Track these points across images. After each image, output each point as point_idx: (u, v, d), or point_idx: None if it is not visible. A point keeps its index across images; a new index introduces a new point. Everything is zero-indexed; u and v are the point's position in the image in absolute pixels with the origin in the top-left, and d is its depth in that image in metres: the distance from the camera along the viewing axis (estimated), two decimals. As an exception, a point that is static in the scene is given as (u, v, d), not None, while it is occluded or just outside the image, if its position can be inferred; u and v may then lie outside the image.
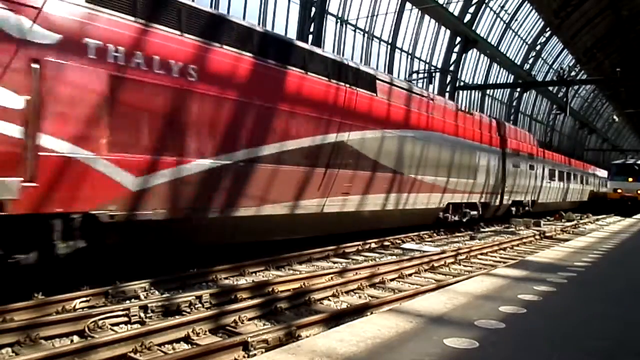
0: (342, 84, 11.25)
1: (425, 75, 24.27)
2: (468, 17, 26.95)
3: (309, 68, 10.40)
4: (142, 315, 5.93)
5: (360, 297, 7.64)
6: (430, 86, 22.89)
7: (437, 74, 27.14)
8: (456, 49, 28.17)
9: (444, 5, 24.10)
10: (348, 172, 11.35)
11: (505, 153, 20.53)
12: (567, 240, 13.61)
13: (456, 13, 25.99)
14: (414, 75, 24.43)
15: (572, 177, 32.93)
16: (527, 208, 24.23)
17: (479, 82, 32.42)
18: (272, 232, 10.08)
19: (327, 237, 11.70)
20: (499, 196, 20.08)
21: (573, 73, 38.88)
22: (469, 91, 31.90)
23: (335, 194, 11.10)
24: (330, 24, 19.88)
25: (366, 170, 11.94)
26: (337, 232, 12.01)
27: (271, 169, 9.43)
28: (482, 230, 18.66)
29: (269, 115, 9.39)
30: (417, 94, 14.63)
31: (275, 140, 9.49)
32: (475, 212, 18.19)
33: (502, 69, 34.47)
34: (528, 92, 38.58)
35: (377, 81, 12.57)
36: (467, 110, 18.43)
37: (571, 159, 35.53)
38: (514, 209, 22.51)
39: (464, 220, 17.56)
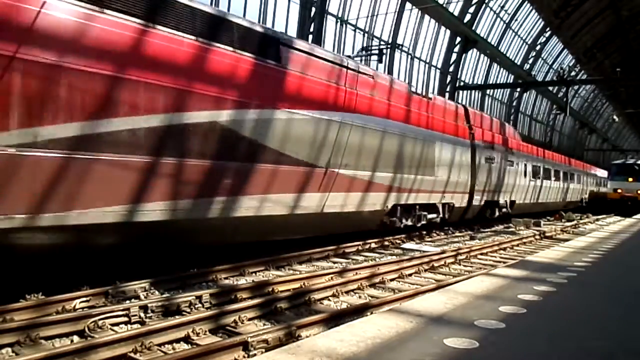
0: (222, 45, 8.37)
1: (377, 51, 19.77)
2: (468, 17, 26.97)
3: (160, 20, 7.52)
4: (142, 315, 5.93)
5: (360, 297, 7.64)
6: (380, 65, 19.51)
7: (391, 52, 25.84)
8: (456, 49, 28.21)
9: (444, 5, 24.12)
10: (231, 165, 8.57)
11: (476, 146, 17.71)
12: (567, 240, 13.60)
13: (456, 13, 26.01)
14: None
15: (562, 175, 30.37)
16: (504, 210, 21.21)
17: (479, 82, 32.45)
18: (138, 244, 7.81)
19: (327, 237, 11.68)
20: (467, 196, 17.32)
21: (573, 73, 38.96)
22: (469, 91, 31.91)
23: (212, 195, 8.27)
24: (330, 24, 19.93)
25: (263, 163, 9.11)
26: (221, 243, 9.33)
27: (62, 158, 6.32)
28: (482, 230, 18.65)
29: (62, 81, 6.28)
30: (353, 69, 11.66)
31: (84, 118, 6.48)
32: (434, 215, 15.40)
33: (502, 69, 34.49)
34: (528, 92, 38.61)
35: (283, 47, 9.72)
36: (424, 93, 15.54)
37: (565, 157, 33.56)
38: (488, 210, 19.74)
39: (419, 225, 14.69)
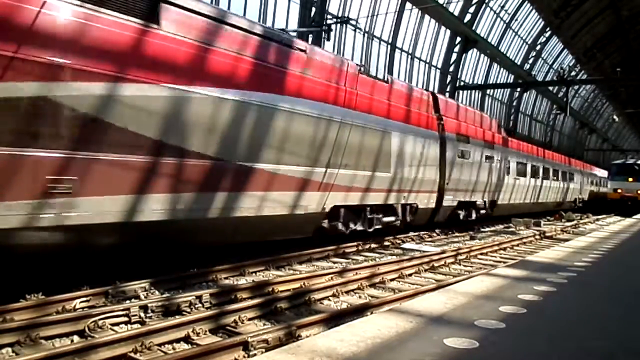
0: None
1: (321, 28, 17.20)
2: (468, 17, 26.98)
3: None
4: (142, 315, 5.93)
5: (360, 297, 7.64)
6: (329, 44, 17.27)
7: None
8: (456, 49, 28.22)
9: (444, 5, 24.12)
10: (63, 155, 6.30)
11: (446, 138, 15.60)
12: (567, 240, 13.60)
13: (456, 13, 26.02)
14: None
15: (554, 174, 28.16)
16: (483, 211, 18.92)
17: (479, 82, 32.46)
18: None
19: (327, 237, 11.68)
20: (435, 196, 15.23)
21: (573, 73, 39.00)
22: (469, 91, 31.92)
23: (51, 196, 6.22)
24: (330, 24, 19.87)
25: (135, 155, 7.07)
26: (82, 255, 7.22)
27: None
28: (482, 230, 18.64)
29: None
30: (276, 40, 9.67)
31: None
32: (392, 218, 13.32)
33: (502, 68, 34.50)
34: (528, 92, 38.61)
35: (165, 5, 7.60)
36: (382, 76, 13.23)
37: (559, 155, 31.87)
38: (461, 212, 17.41)
39: (370, 230, 12.55)
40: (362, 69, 12.35)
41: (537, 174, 25.36)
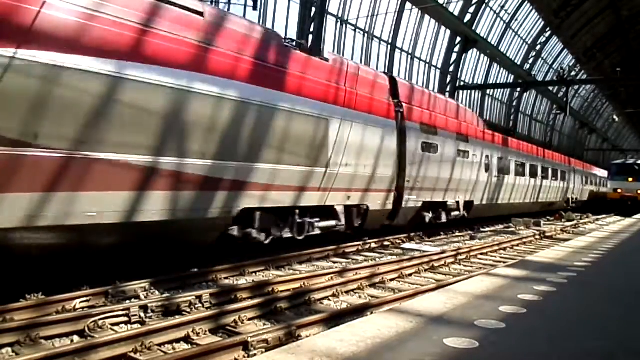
0: None
1: None
2: (468, 17, 26.96)
3: None
4: (142, 315, 5.94)
5: (360, 297, 7.64)
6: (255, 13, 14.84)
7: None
8: (456, 49, 28.20)
9: (444, 5, 24.11)
10: None
11: (407, 128, 13.44)
12: (567, 240, 13.60)
13: (456, 13, 26.01)
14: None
15: (542, 171, 25.91)
16: (456, 213, 16.70)
17: (479, 82, 32.44)
18: None
19: (327, 237, 11.67)
20: (392, 195, 13.02)
21: (573, 73, 38.98)
22: (469, 91, 31.92)
23: None
24: (330, 24, 19.91)
25: None
26: None
27: None
28: (482, 230, 18.64)
29: None
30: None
31: None
32: (331, 223, 11.14)
33: (502, 69, 34.49)
34: (528, 92, 38.59)
35: None
36: (319, 53, 11.40)
37: (550, 151, 29.82)
38: (428, 214, 15.08)
39: (300, 238, 10.35)
40: (294, 43, 10.83)
41: (523, 172, 23.10)
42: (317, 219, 10.73)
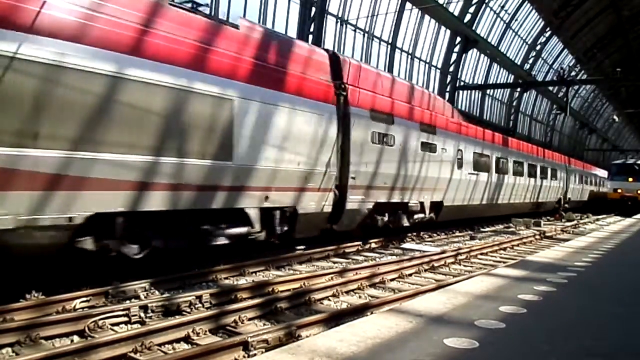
0: None
1: None
2: (468, 17, 26.99)
3: None
4: (142, 315, 5.94)
5: (360, 297, 7.64)
6: None
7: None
8: (456, 49, 28.23)
9: (444, 5, 24.13)
10: None
11: (351, 115, 11.21)
12: (567, 240, 13.60)
13: (456, 13, 26.03)
14: None
15: (528, 168, 23.61)
16: (421, 215, 14.33)
17: (479, 82, 32.47)
18: None
19: (327, 237, 11.67)
20: (330, 195, 10.70)
21: (573, 73, 39.00)
22: (469, 91, 31.93)
23: None
24: (330, 24, 19.94)
25: None
26: None
27: None
28: (482, 230, 18.64)
29: None
30: None
31: None
32: (242, 230, 8.85)
33: (502, 69, 34.51)
34: (528, 92, 38.62)
35: None
36: (224, 20, 10.02)
37: (538, 148, 27.36)
38: (382, 217, 12.67)
39: (198, 248, 8.42)
40: (192, 5, 8.99)
41: (506, 169, 20.79)
42: (224, 226, 8.55)
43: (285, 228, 9.89)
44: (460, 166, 16.41)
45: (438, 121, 15.21)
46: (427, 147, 14.35)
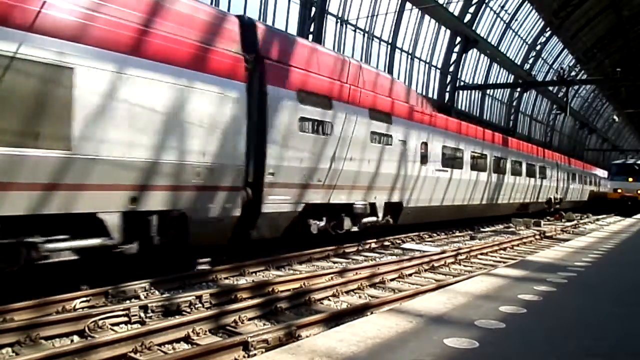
0: None
1: None
2: (468, 17, 26.99)
3: None
4: (142, 315, 5.94)
5: (360, 297, 7.64)
6: None
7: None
8: (456, 49, 28.23)
9: (444, 5, 24.13)
10: None
11: (269, 96, 9.22)
12: (567, 240, 13.60)
13: (456, 13, 26.03)
14: None
15: (512, 165, 21.57)
16: (371, 219, 12.25)
17: (479, 82, 32.47)
18: None
19: (326, 237, 11.67)
20: (238, 195, 8.65)
21: (573, 73, 38.95)
22: (469, 91, 31.93)
23: None
24: (330, 24, 19.94)
25: None
26: None
27: None
28: (482, 230, 18.64)
29: None
30: None
31: None
32: (93, 241, 6.62)
33: (502, 69, 34.51)
34: (528, 92, 38.63)
35: None
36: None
37: (527, 144, 25.66)
38: (317, 221, 10.64)
39: (16, 269, 5.99)
40: None
41: (483, 166, 18.58)
42: (66, 237, 6.39)
43: (161, 240, 7.53)
44: (424, 161, 14.26)
45: (396, 109, 12.96)
46: (380, 138, 12.28)
